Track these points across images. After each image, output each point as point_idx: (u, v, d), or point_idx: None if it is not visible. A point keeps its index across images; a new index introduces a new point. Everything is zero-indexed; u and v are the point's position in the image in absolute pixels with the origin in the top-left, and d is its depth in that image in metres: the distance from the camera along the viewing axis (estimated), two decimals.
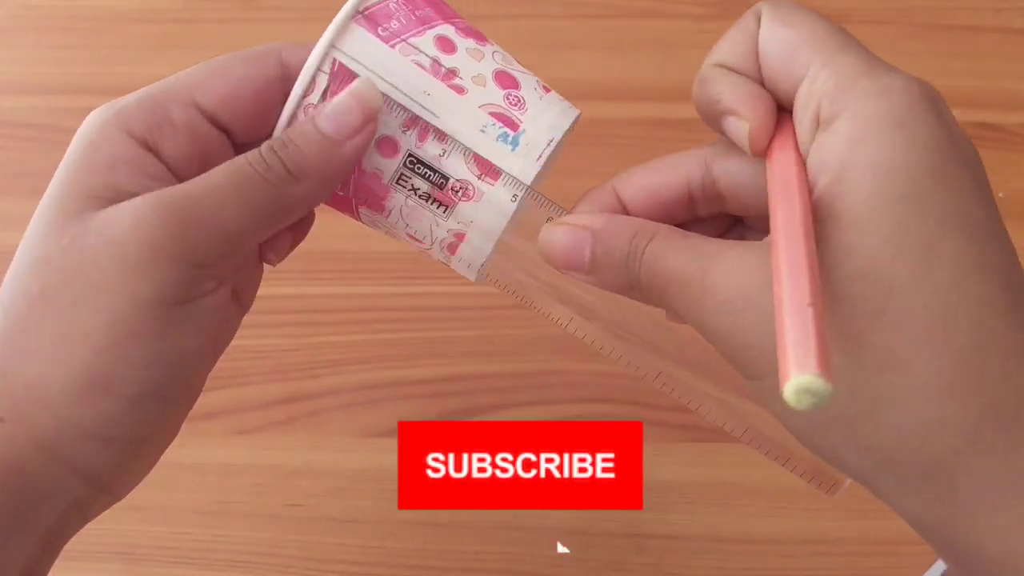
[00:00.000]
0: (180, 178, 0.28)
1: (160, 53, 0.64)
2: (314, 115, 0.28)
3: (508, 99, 0.30)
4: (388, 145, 0.29)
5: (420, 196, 0.29)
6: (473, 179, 0.29)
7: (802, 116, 0.26)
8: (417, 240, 0.31)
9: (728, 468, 0.47)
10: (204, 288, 0.27)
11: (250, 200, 0.27)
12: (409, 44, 0.29)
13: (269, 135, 0.30)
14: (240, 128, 0.30)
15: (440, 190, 0.29)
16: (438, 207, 0.29)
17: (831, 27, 0.26)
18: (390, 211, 0.30)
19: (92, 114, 0.29)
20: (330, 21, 0.29)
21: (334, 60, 0.28)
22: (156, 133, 0.28)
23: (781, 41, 0.26)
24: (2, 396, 0.26)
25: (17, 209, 0.58)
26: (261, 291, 0.32)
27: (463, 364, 0.51)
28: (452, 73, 0.29)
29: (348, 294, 0.53)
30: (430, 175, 0.29)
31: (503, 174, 0.29)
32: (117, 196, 0.27)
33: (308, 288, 0.53)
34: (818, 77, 0.25)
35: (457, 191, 0.29)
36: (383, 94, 0.29)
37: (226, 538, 0.47)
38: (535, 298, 0.31)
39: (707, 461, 0.48)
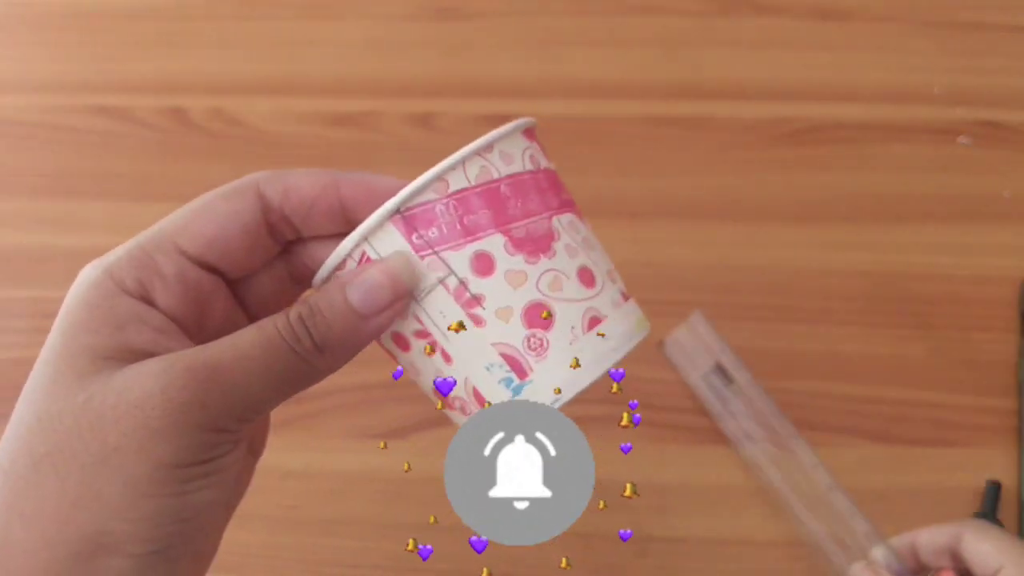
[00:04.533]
0: (181, 325, 0.28)
1: (156, 51, 0.64)
2: (344, 284, 0.27)
3: (529, 341, 0.27)
4: (401, 340, 0.28)
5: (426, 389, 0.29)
6: (470, 403, 0.28)
7: None
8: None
9: (729, 470, 0.47)
10: (223, 450, 0.27)
11: (277, 369, 0.27)
12: (440, 258, 0.27)
13: (266, 270, 0.30)
14: (229, 266, 0.29)
15: (442, 396, 0.28)
16: (440, 406, 0.29)
17: (1018, 543, 0.38)
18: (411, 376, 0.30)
19: (83, 272, 0.28)
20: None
21: (363, 252, 0.28)
22: (148, 287, 0.28)
23: (985, 551, 0.38)
24: (2, 566, 0.25)
25: (13, 207, 0.58)
26: None
27: None
28: (476, 301, 0.27)
29: None
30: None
31: None
32: (132, 356, 0.26)
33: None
34: (1006, 571, 0.37)
35: (455, 405, 0.28)
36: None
37: (224, 540, 0.46)
38: None
39: (708, 463, 0.47)
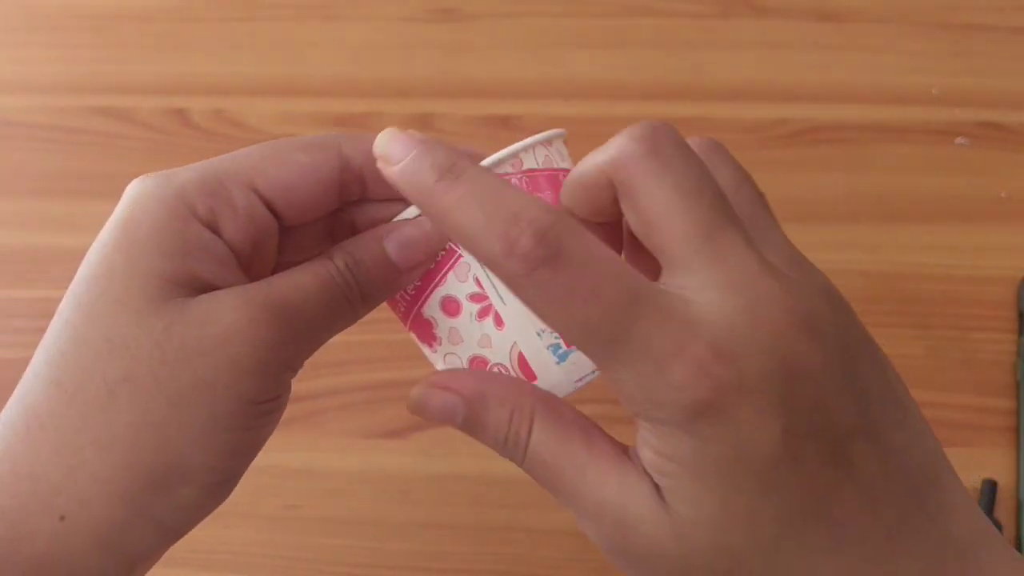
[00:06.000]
0: (239, 261, 0.28)
1: (160, 52, 0.64)
2: (380, 237, 0.29)
3: None
4: (452, 305, 0.29)
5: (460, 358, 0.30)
6: (512, 371, 0.29)
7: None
8: None
9: None
10: (288, 387, 0.28)
11: (332, 312, 0.28)
12: None
13: (315, 223, 0.31)
14: (292, 215, 0.30)
15: (482, 364, 0.29)
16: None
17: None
18: (435, 353, 0.31)
19: (143, 186, 0.27)
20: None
21: None
22: (219, 215, 0.28)
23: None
24: (69, 492, 0.25)
25: (14, 208, 0.59)
26: None
27: None
28: None
29: None
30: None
31: (538, 382, 0.29)
32: (198, 285, 0.26)
33: None
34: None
35: (496, 372, 0.29)
36: (465, 260, 0.29)
37: (225, 539, 0.47)
38: None
39: None
